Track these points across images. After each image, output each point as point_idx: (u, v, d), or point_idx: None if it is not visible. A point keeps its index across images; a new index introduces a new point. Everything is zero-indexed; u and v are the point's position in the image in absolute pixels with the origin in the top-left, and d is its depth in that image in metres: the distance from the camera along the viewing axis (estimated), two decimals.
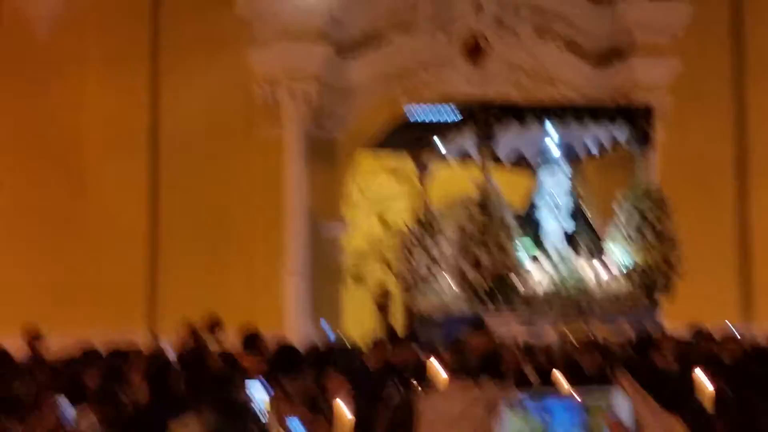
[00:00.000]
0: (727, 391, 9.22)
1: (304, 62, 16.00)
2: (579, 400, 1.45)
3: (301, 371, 7.06)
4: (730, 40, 18.30)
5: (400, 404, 4.88)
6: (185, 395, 5.94)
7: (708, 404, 4.65)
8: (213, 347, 10.72)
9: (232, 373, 6.60)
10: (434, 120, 13.30)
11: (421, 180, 14.91)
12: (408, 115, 17.00)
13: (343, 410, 4.88)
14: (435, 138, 13.67)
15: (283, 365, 7.13)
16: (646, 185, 13.01)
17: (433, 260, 13.95)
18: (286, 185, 16.13)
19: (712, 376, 9.61)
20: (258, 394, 5.16)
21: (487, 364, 6.76)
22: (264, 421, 4.98)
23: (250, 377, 5.84)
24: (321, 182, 16.56)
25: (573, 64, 17.22)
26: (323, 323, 14.81)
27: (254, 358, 7.15)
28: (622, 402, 1.56)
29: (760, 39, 18.17)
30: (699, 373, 4.48)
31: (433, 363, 6.34)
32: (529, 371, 9.78)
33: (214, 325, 11.89)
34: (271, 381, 6.46)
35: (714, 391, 5.14)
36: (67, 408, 5.70)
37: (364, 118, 16.67)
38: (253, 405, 5.03)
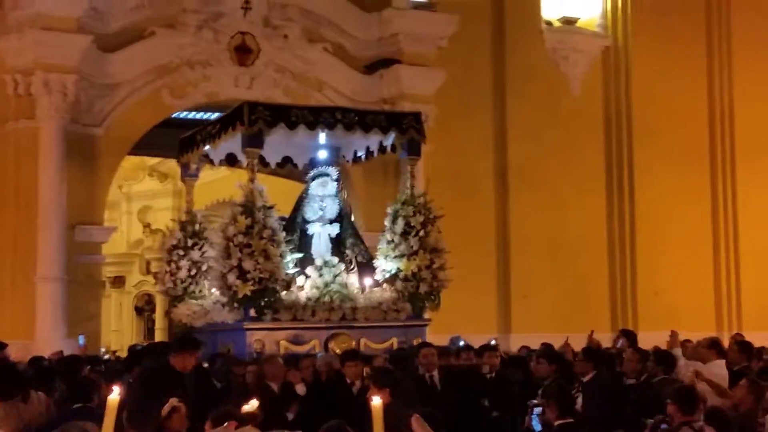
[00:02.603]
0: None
1: (61, 54, 15.07)
2: None
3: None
4: (492, 54, 18.87)
5: None
6: None
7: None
8: None
9: None
10: (199, 119, 12.87)
11: (187, 182, 14.41)
12: (173, 114, 16.49)
13: None
14: (201, 139, 13.21)
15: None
16: (412, 192, 13.05)
17: (196, 265, 13.49)
18: (41, 184, 15.13)
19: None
20: None
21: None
22: None
23: None
24: (80, 182, 15.65)
25: (342, 70, 17.21)
26: (80, 338, 14.00)
27: None
28: None
29: (518, 54, 18.84)
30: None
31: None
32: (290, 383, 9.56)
33: None
34: None
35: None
36: None
37: (127, 116, 15.97)
38: None
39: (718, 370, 9.85)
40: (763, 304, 20.03)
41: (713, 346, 10.49)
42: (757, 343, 12.72)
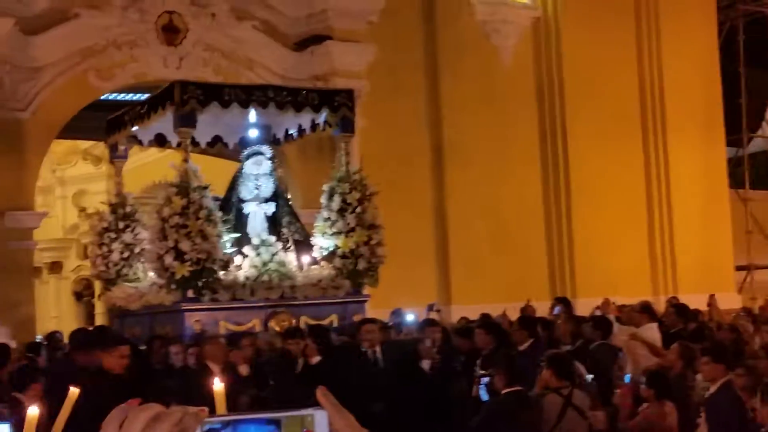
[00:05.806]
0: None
1: None
2: (276, 418, 1.25)
3: None
4: (423, 28, 18.84)
5: None
6: None
7: None
8: None
9: None
10: (128, 101, 12.67)
11: (116, 164, 14.20)
12: (101, 96, 16.22)
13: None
14: (129, 120, 13.01)
15: None
16: (347, 169, 13.01)
17: (129, 248, 13.32)
18: None
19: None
20: None
21: None
22: None
23: None
24: (7, 168, 15.34)
25: (272, 47, 17.04)
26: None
27: None
28: (322, 419, 1.35)
29: (449, 28, 18.84)
30: None
31: None
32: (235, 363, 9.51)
33: None
34: None
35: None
36: None
37: (54, 99, 15.66)
38: None
39: (650, 333, 10.03)
40: (697, 266, 20.41)
41: (645, 310, 10.68)
42: (691, 306, 12.96)
